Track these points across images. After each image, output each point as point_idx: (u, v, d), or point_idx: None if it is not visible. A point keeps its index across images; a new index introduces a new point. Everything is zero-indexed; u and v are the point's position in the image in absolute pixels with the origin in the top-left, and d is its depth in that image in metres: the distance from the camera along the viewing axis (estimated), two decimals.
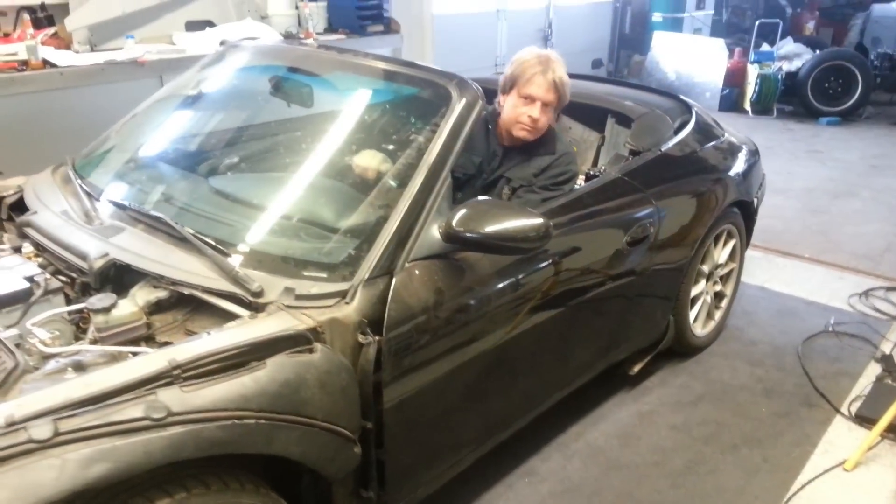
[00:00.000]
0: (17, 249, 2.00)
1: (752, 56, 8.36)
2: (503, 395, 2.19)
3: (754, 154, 3.40)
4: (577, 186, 2.50)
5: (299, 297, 1.66)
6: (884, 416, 2.65)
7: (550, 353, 2.34)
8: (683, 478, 2.50)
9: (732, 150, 3.23)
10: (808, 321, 3.53)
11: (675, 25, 9.29)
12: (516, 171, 2.42)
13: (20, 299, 1.75)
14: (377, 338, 1.67)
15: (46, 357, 1.58)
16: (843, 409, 2.86)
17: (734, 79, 8.30)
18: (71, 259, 1.84)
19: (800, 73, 8.12)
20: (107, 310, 1.64)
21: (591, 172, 2.64)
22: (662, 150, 2.84)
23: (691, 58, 8.50)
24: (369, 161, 2.10)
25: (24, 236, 2.05)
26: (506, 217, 1.83)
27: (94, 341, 1.65)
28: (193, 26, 4.61)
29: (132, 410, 1.32)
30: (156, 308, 1.75)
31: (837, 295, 3.80)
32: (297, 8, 5.02)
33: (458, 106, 2.00)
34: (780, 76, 8.17)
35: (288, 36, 4.79)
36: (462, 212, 1.83)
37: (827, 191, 5.68)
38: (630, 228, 2.47)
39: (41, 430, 1.24)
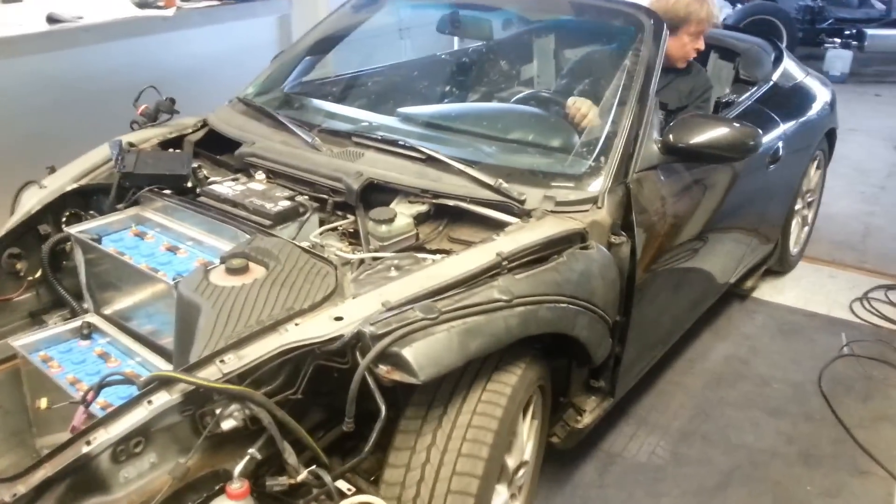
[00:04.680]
0: (244, 176, 2.13)
1: None
2: (689, 292, 2.43)
3: (831, 86, 3.65)
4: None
5: (559, 203, 1.83)
6: None
7: (716, 257, 2.58)
8: None
9: (822, 83, 3.46)
10: (817, 342, 3.01)
11: None
12: (665, 94, 2.60)
13: (290, 217, 1.89)
14: (629, 238, 1.86)
15: (345, 263, 1.73)
16: None
17: None
18: (322, 182, 1.98)
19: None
20: (389, 221, 1.79)
21: (725, 100, 2.83)
22: (773, 80, 3.05)
23: None
24: (585, 108, 2.22)
25: (243, 167, 2.18)
26: (717, 128, 2.02)
27: (377, 250, 1.80)
28: None
29: (486, 293, 1.48)
30: (416, 221, 1.90)
31: (836, 300, 3.32)
32: None
33: (651, 30, 2.18)
34: None
35: (143, 5, 3.72)
36: (678, 126, 2.01)
37: None
38: (769, 151, 2.69)
39: (426, 310, 1.40)
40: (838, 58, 7.65)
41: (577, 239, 1.76)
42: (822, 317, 3.19)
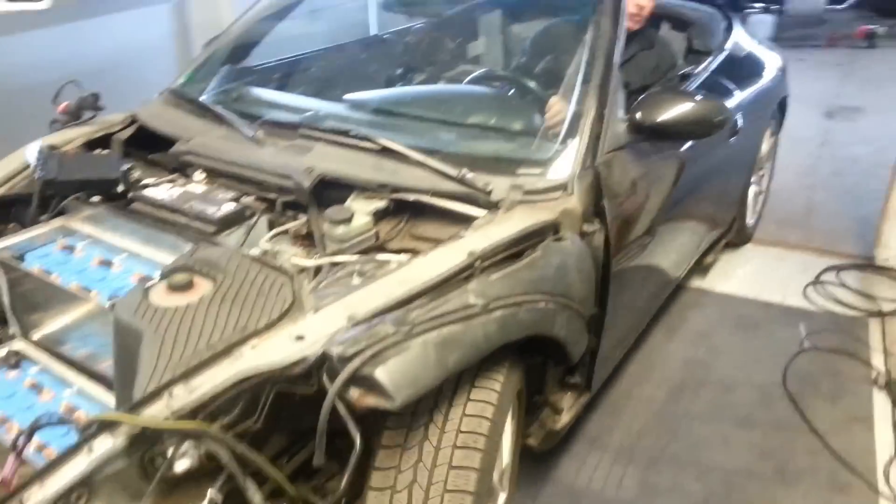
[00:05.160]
0: (181, 177, 1.95)
1: None
2: (659, 274, 2.35)
3: (781, 53, 3.62)
4: None
5: (528, 192, 1.72)
6: None
7: (683, 235, 2.51)
8: None
9: (772, 52, 3.42)
10: (776, 335, 2.86)
11: None
12: (629, 71, 2.49)
13: (236, 221, 1.72)
14: (602, 225, 1.76)
15: (301, 270, 1.58)
16: (881, 485, 2.17)
17: None
18: (269, 180, 1.81)
19: None
20: (347, 221, 1.64)
21: (682, 72, 2.76)
22: (727, 50, 2.99)
23: None
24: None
25: (179, 167, 1.99)
26: (686, 104, 1.93)
27: (334, 253, 1.66)
28: None
29: (461, 299, 1.36)
30: (374, 218, 1.76)
31: (789, 286, 3.19)
32: None
33: (610, 2, 2.06)
34: None
35: None
36: (645, 103, 1.91)
37: None
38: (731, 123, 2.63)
39: (397, 322, 1.27)
40: (761, 23, 7.58)
41: (549, 230, 1.65)
42: (777, 306, 3.06)
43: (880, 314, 2.95)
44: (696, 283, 3.20)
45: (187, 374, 1.23)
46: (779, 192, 3.95)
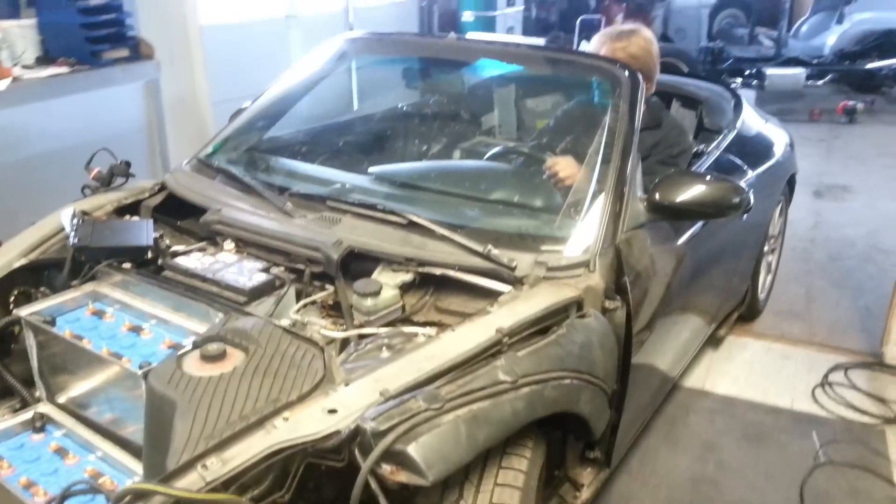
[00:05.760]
0: (211, 245, 2.00)
1: None
2: (676, 347, 2.37)
3: (787, 130, 3.71)
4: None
5: (551, 269, 1.76)
6: None
7: (698, 310, 2.54)
8: None
9: (781, 131, 3.52)
10: (788, 447, 2.64)
11: (488, 25, 8.46)
12: None
13: (266, 291, 1.76)
14: (623, 302, 1.79)
15: (330, 342, 1.61)
16: None
17: None
18: (298, 251, 1.86)
19: None
20: (375, 294, 1.68)
21: (694, 150, 2.83)
22: (737, 128, 3.07)
23: None
24: (563, 165, 2.17)
25: (209, 235, 2.05)
26: (704, 185, 1.98)
27: (361, 325, 1.69)
28: None
29: (490, 375, 1.38)
30: (401, 291, 1.79)
31: (797, 388, 2.98)
32: None
33: (629, 85, 2.14)
34: None
35: None
36: (664, 184, 1.97)
37: None
38: None
39: (430, 398, 1.29)
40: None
41: (573, 307, 1.68)
42: (787, 412, 2.83)
43: None
44: (698, 383, 2.99)
45: (221, 446, 1.24)
46: (777, 279, 3.75)
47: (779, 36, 8.66)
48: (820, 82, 8.08)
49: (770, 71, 7.86)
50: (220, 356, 1.46)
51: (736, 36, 9.22)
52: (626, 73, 2.17)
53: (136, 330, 1.75)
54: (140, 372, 1.54)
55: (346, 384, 1.38)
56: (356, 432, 1.24)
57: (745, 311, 3.39)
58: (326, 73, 2.62)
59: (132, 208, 2.24)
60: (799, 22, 9.20)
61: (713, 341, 3.16)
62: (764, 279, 3.51)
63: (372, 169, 2.25)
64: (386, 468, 1.21)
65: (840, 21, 8.63)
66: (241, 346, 1.49)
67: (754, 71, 7.94)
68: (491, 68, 2.48)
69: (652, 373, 2.19)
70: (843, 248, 4.40)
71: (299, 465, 1.27)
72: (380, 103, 2.74)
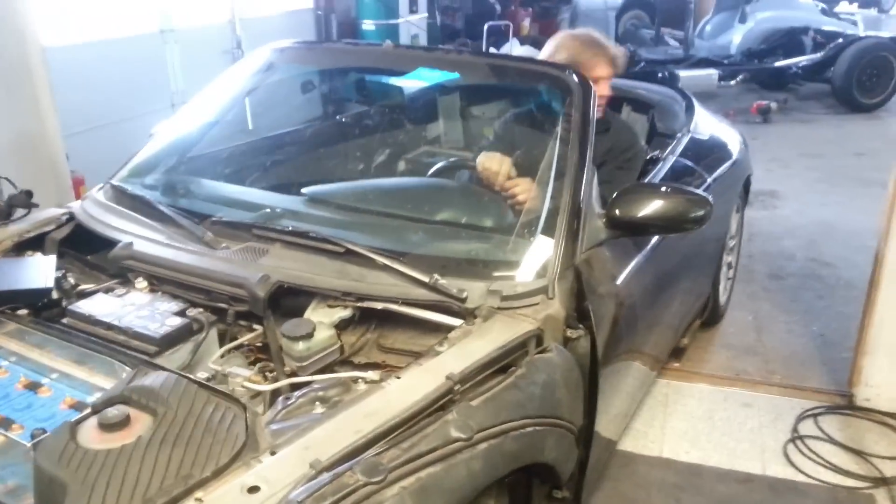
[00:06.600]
0: (122, 284, 1.76)
1: None
2: (642, 368, 2.21)
3: (739, 131, 3.63)
4: None
5: (506, 298, 1.57)
6: None
7: (664, 324, 2.40)
8: None
9: (734, 132, 3.42)
10: None
11: (391, 33, 7.88)
12: None
13: (181, 338, 1.54)
14: (587, 330, 1.62)
15: (254, 396, 1.40)
16: None
17: None
18: (219, 288, 1.64)
19: None
20: (308, 337, 1.48)
21: (649, 156, 2.69)
22: (691, 132, 2.95)
23: None
24: (496, 165, 2.01)
25: (120, 272, 1.81)
26: (666, 199, 1.83)
27: (293, 372, 1.48)
28: None
29: (441, 432, 1.19)
30: (338, 329, 1.59)
31: (766, 446, 2.62)
32: None
33: (580, 93, 1.98)
34: None
35: None
36: (623, 199, 1.81)
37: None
38: None
39: (369, 470, 1.09)
40: None
41: (532, 342, 1.50)
42: (760, 479, 2.46)
43: (884, 482, 2.44)
44: (656, 449, 2.58)
45: None
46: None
47: (686, 36, 8.63)
48: (732, 82, 8.09)
49: (683, 73, 7.78)
50: (122, 423, 1.23)
51: (641, 37, 9.16)
52: (577, 78, 2.01)
53: (33, 387, 1.51)
54: (30, 444, 1.31)
55: (272, 452, 1.17)
56: None
57: (708, 318, 3.28)
58: (253, 86, 2.40)
59: (36, 242, 1.98)
60: (703, 21, 9.17)
61: (675, 353, 3.03)
62: (724, 283, 3.41)
63: (305, 190, 2.04)
64: None
65: (743, 20, 8.62)
66: (149, 409, 1.26)
67: (666, 74, 7.84)
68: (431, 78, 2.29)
69: (619, 399, 2.03)
70: (783, 262, 4.18)
71: None
72: (312, 117, 2.52)
